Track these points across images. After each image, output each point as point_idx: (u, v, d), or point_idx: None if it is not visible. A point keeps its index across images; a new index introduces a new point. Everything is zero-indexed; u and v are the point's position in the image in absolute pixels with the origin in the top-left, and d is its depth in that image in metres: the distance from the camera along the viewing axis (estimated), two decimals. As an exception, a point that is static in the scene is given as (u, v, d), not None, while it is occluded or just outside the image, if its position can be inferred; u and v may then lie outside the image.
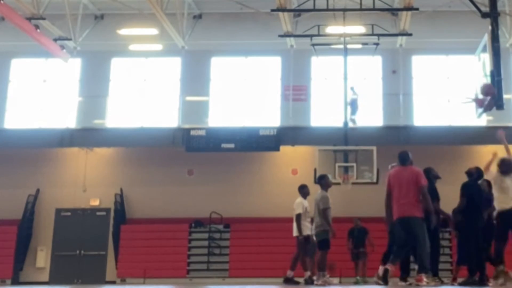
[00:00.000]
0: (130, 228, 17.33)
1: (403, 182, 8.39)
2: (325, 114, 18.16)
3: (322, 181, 11.17)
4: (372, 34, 16.74)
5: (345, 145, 15.72)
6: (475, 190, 9.62)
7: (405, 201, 8.32)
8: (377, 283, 9.26)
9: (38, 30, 15.95)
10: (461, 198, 9.55)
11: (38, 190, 17.98)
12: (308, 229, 11.22)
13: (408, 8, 15.78)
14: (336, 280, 11.74)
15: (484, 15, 10.86)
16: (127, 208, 17.93)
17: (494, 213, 8.93)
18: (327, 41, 17.29)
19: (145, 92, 18.95)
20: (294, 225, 11.27)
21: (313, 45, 17.00)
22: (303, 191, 11.57)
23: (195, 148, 16.83)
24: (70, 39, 17.83)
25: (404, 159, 8.69)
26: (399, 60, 18.27)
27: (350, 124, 16.54)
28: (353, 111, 17.08)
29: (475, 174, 9.76)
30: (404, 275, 9.28)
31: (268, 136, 16.71)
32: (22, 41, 17.35)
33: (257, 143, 16.70)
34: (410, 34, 17.00)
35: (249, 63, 19.15)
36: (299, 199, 11.40)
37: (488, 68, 10.51)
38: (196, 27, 19.00)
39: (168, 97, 18.81)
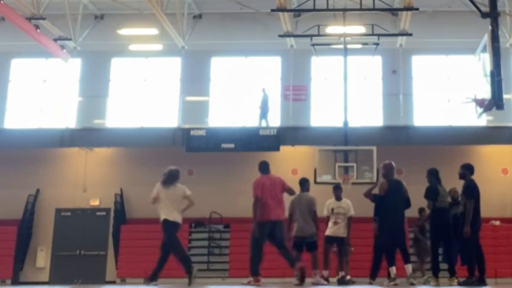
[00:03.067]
0: (130, 228, 17.32)
1: (271, 189, 9.53)
2: (325, 114, 18.17)
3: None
4: (372, 34, 16.75)
5: (345, 145, 15.73)
6: (477, 190, 9.66)
7: (278, 206, 9.55)
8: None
9: (38, 30, 15.97)
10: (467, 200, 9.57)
11: (38, 190, 17.98)
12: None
13: (408, 8, 15.80)
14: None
15: (484, 15, 10.85)
16: (127, 208, 17.93)
17: None
18: (327, 41, 17.30)
19: (145, 92, 18.96)
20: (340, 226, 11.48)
21: (313, 45, 17.01)
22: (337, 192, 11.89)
23: (195, 148, 16.82)
24: (70, 39, 17.84)
25: (266, 168, 9.79)
26: (399, 60, 18.27)
27: (262, 124, 17.41)
28: (264, 113, 17.56)
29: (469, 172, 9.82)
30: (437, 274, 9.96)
31: (268, 136, 16.71)
32: (22, 41, 17.36)
33: (257, 143, 16.68)
34: (410, 34, 17.00)
35: (249, 63, 19.15)
36: (348, 200, 11.76)
37: (488, 68, 10.51)
38: (196, 27, 19.01)
39: (168, 97, 18.82)
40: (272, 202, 9.47)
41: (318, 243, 10.96)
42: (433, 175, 10.20)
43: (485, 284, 9.07)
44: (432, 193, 10.04)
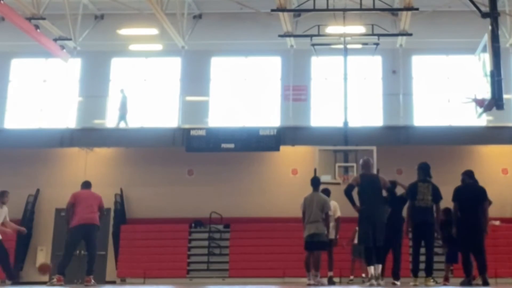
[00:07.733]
0: (130, 228, 17.32)
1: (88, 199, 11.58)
2: (325, 114, 18.18)
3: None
4: (372, 34, 16.74)
5: (345, 145, 15.72)
6: (468, 190, 9.69)
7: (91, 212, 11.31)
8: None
9: (38, 30, 15.96)
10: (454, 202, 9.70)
11: (38, 190, 17.98)
12: None
13: (408, 8, 15.80)
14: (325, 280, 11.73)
15: (484, 15, 10.88)
16: (127, 208, 17.93)
17: None
18: (327, 41, 17.30)
19: (145, 92, 18.96)
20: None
21: (313, 45, 17.00)
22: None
23: (195, 148, 16.82)
24: (70, 39, 17.84)
25: (88, 185, 11.81)
26: (399, 60, 18.28)
27: (121, 125, 17.72)
28: (123, 114, 17.73)
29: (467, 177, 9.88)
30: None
31: (268, 136, 16.70)
32: (22, 41, 17.36)
33: (257, 143, 16.68)
34: (410, 34, 17.00)
35: (249, 63, 19.15)
36: (334, 202, 11.94)
37: (488, 68, 10.52)
38: (196, 27, 19.01)
39: (168, 97, 18.82)
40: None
41: (327, 245, 10.98)
42: (420, 170, 10.10)
43: (487, 284, 9.09)
44: (410, 192, 9.94)
